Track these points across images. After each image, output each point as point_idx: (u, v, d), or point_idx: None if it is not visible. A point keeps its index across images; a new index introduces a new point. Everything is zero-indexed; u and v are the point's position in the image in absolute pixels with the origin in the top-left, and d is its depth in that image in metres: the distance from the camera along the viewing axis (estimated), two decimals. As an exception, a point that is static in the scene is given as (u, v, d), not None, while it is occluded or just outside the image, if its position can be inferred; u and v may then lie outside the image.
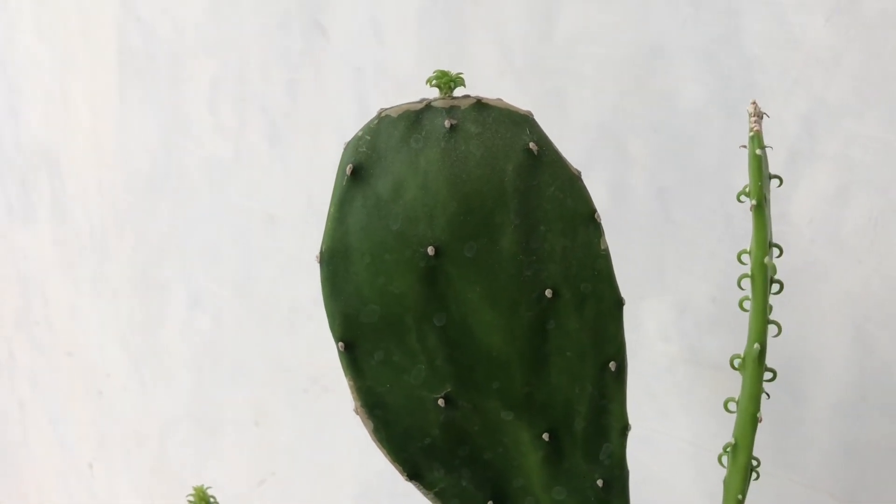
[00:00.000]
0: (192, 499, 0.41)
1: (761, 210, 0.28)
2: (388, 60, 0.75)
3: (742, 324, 0.62)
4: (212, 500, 0.42)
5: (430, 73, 0.75)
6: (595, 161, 0.64)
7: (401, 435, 0.32)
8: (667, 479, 0.66)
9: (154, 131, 0.99)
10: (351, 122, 0.78)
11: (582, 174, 0.67)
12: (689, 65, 0.58)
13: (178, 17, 0.91)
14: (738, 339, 0.62)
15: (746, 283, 0.32)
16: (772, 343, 0.61)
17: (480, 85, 0.70)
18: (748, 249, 0.31)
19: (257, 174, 0.89)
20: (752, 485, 0.64)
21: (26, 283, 1.34)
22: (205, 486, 0.42)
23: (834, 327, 0.56)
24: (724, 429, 0.63)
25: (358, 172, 0.29)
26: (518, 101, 0.68)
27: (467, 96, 0.31)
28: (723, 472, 0.65)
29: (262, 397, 0.98)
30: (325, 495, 0.95)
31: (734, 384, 0.62)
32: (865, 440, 0.57)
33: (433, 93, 0.34)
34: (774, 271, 0.29)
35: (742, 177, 0.57)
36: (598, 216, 0.31)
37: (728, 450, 0.33)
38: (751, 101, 0.31)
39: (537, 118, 0.67)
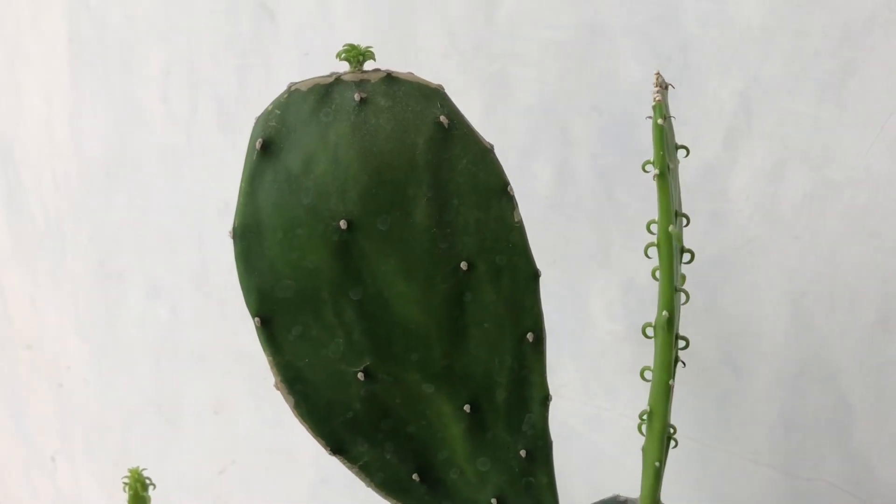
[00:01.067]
0: (127, 481, 0.41)
1: (664, 179, 0.28)
2: (336, 45, 0.75)
3: (690, 300, 0.62)
4: (147, 481, 0.42)
5: (378, 56, 0.75)
6: (540, 142, 0.65)
7: (322, 409, 0.32)
8: (616, 457, 0.67)
9: (107, 120, 0.98)
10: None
11: (528, 154, 0.68)
12: (629, 45, 0.59)
13: (127, 4, 0.90)
14: (682, 316, 0.62)
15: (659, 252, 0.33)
16: (714, 319, 0.62)
17: (426, 68, 0.70)
18: (657, 219, 0.32)
19: (211, 161, 0.89)
20: (697, 459, 0.65)
21: (-16, 276, 1.32)
22: (140, 468, 0.42)
23: (772, 302, 0.57)
24: (671, 404, 0.64)
25: (268, 147, 0.29)
26: (463, 83, 0.68)
27: (377, 70, 0.31)
28: (673, 453, 0.66)
29: (221, 386, 0.98)
30: (285, 482, 0.95)
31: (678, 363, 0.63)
32: (804, 413, 0.58)
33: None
34: (680, 240, 0.29)
35: (681, 161, 0.58)
36: (511, 189, 0.31)
37: (644, 417, 0.33)
38: (655, 71, 0.32)
39: (483, 99, 0.67)
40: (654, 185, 0.60)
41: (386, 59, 0.72)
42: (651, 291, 0.63)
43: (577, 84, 0.62)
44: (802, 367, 0.58)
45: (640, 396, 0.65)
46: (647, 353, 0.64)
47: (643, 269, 0.62)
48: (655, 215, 0.61)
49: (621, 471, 0.67)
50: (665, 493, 0.67)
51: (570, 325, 0.68)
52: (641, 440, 0.66)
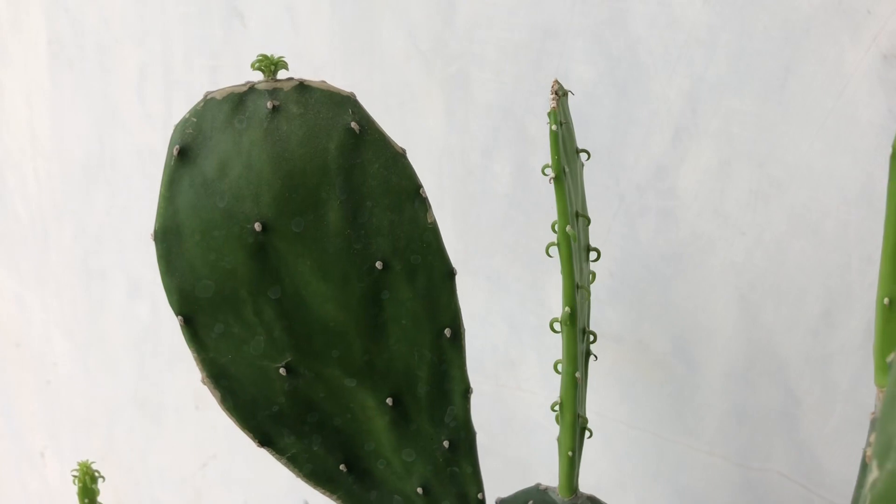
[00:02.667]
0: (76, 474, 0.42)
1: (560, 182, 0.29)
2: (303, 46, 0.76)
3: (639, 296, 0.64)
4: (97, 474, 0.43)
5: (343, 58, 0.76)
6: (499, 141, 0.66)
7: (248, 403, 0.33)
8: (576, 449, 0.69)
9: (86, 121, 0.99)
10: (272, 108, 0.79)
11: (488, 154, 0.69)
12: (580, 47, 0.60)
13: (103, 7, 0.91)
14: (636, 312, 0.64)
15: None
16: (667, 314, 0.63)
17: (389, 69, 0.71)
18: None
19: (187, 161, 0.90)
20: (653, 451, 0.67)
21: (-28, 275, 1.34)
22: (90, 462, 0.43)
23: (721, 298, 0.59)
24: (627, 398, 0.66)
25: (185, 153, 0.30)
26: (426, 84, 0.70)
27: (290, 79, 0.32)
28: (627, 441, 0.68)
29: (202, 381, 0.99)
30: (265, 475, 0.96)
31: (634, 355, 0.64)
32: (754, 405, 0.60)
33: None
34: (576, 239, 0.30)
35: (632, 154, 0.59)
36: (424, 192, 0.32)
37: (555, 408, 0.34)
38: (553, 79, 0.33)
39: (445, 99, 0.68)
40: (609, 184, 0.62)
41: (351, 61, 0.74)
42: (607, 287, 0.64)
43: (533, 84, 0.63)
44: (751, 360, 0.59)
45: (597, 391, 0.67)
46: (605, 346, 0.65)
47: (598, 267, 0.63)
48: (612, 214, 0.62)
49: (583, 462, 0.69)
50: (623, 483, 0.68)
51: (532, 321, 0.69)
52: (604, 433, 0.68)
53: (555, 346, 0.68)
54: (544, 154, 0.64)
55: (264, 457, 1.03)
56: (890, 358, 0.19)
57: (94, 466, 0.45)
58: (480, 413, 0.73)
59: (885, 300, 0.24)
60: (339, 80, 0.74)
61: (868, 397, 0.54)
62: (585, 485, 0.69)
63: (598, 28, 0.59)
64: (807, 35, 0.52)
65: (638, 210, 0.60)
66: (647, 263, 0.61)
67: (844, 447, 0.56)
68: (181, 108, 0.88)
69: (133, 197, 0.98)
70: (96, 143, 0.99)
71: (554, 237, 0.32)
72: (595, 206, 0.62)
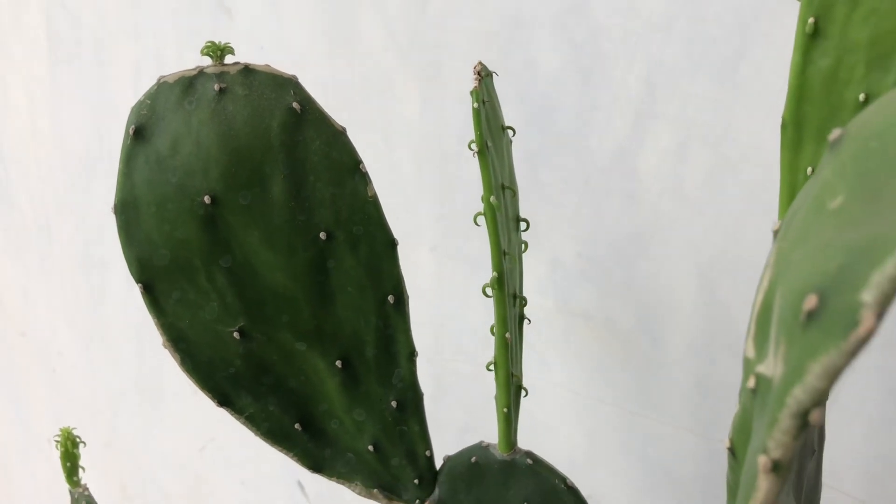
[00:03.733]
0: (58, 439, 0.45)
1: (483, 155, 0.32)
2: (286, 38, 0.79)
3: (606, 275, 0.66)
4: (78, 440, 0.46)
5: (325, 49, 0.79)
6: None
7: (205, 365, 0.36)
8: (551, 423, 0.71)
9: (85, 115, 1.02)
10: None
11: (462, 140, 0.71)
12: (546, 35, 0.62)
13: (98, 3, 0.94)
14: (603, 289, 0.66)
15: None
16: (632, 292, 0.66)
17: (369, 59, 0.74)
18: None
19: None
20: (622, 425, 0.69)
21: (-20, 267, 1.37)
22: (71, 428, 0.46)
23: (681, 275, 0.61)
24: (595, 374, 0.68)
25: (140, 132, 0.33)
26: (402, 73, 0.72)
27: (237, 63, 0.35)
28: (597, 416, 0.70)
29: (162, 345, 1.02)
30: (261, 457, 0.99)
31: (603, 332, 0.67)
32: (716, 379, 0.62)
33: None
34: (500, 209, 0.33)
35: (596, 137, 0.61)
36: (364, 167, 0.35)
37: (490, 368, 0.37)
38: (477, 61, 0.35)
39: (421, 88, 0.71)
40: (575, 167, 0.64)
41: (332, 52, 0.76)
42: (576, 267, 0.66)
43: (503, 72, 0.66)
44: (712, 336, 0.61)
45: (568, 367, 0.69)
46: (575, 324, 0.67)
47: (566, 248, 0.66)
48: (579, 196, 0.64)
49: (555, 434, 0.71)
50: (595, 455, 0.70)
51: (507, 302, 0.72)
52: (575, 408, 0.70)
53: (533, 326, 0.70)
54: (517, 139, 0.66)
55: (259, 440, 1.06)
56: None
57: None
58: (459, 392, 0.76)
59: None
60: (322, 70, 0.76)
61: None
62: (559, 457, 0.72)
63: (562, 17, 0.61)
64: (756, 20, 0.54)
65: (602, 192, 0.63)
66: (612, 243, 0.63)
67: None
68: (174, 100, 0.91)
69: (130, 188, 1.01)
70: (95, 136, 1.02)
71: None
72: (561, 189, 0.65)
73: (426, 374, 0.77)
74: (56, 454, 1.32)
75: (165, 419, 1.10)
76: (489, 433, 0.77)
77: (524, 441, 0.75)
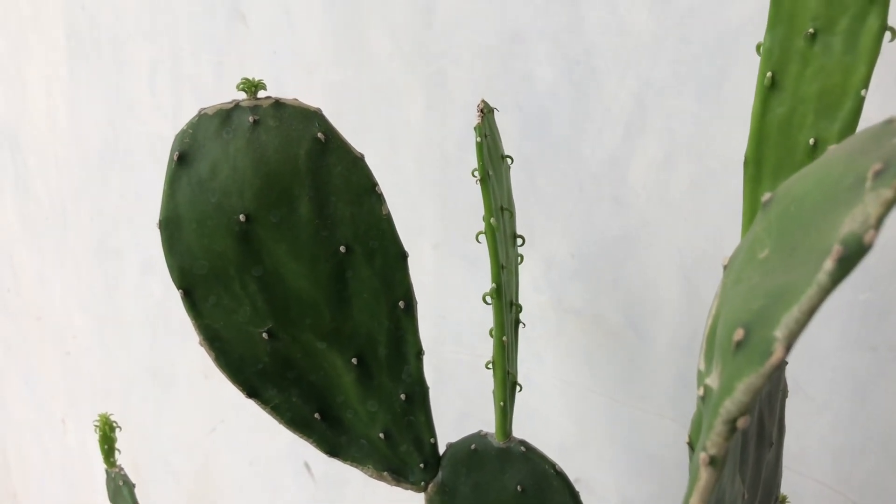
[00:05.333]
0: (97, 423, 0.50)
1: (485, 183, 0.36)
2: (298, 45, 0.83)
3: (596, 274, 0.71)
4: (115, 424, 0.51)
5: (334, 56, 0.83)
6: (473, 134, 0.73)
7: (237, 362, 0.40)
8: (544, 411, 0.76)
9: (102, 111, 1.07)
10: (271, 101, 0.86)
11: (463, 146, 0.75)
12: (543, 49, 0.67)
13: (117, 4, 0.98)
14: (594, 287, 0.71)
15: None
16: (620, 291, 0.70)
17: (376, 68, 0.78)
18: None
19: (194, 149, 0.97)
20: (609, 414, 0.74)
21: (-4, 253, 1.42)
22: (109, 414, 0.50)
23: (666, 275, 0.65)
24: (585, 367, 0.73)
25: (183, 158, 0.37)
26: (407, 81, 0.76)
27: (268, 97, 0.39)
28: (587, 405, 0.75)
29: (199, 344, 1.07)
30: (268, 439, 1.04)
31: (593, 326, 0.72)
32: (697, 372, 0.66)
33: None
34: (499, 229, 0.37)
35: (589, 147, 0.66)
36: (379, 188, 0.39)
37: (489, 367, 0.41)
38: (480, 99, 0.39)
39: (425, 96, 0.75)
40: (569, 174, 0.68)
41: (341, 59, 0.80)
42: (568, 267, 0.71)
43: (502, 83, 0.70)
44: (694, 331, 0.66)
45: (561, 359, 0.74)
46: (567, 319, 0.72)
47: (561, 248, 0.70)
48: (572, 201, 0.69)
49: (548, 421, 0.76)
50: (584, 442, 0.75)
51: (504, 297, 0.76)
52: (567, 398, 0.75)
53: (528, 321, 0.75)
54: (513, 145, 0.71)
55: (268, 421, 1.11)
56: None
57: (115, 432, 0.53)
58: (459, 381, 0.80)
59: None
60: (331, 76, 0.81)
61: (799, 364, 0.61)
62: (551, 442, 0.77)
63: (558, 34, 0.66)
64: (736, 43, 0.58)
65: (594, 198, 0.67)
66: (603, 245, 0.68)
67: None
68: (189, 99, 0.95)
69: (145, 181, 1.05)
70: (111, 131, 1.07)
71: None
72: (556, 194, 0.69)
73: (427, 365, 0.82)
74: (70, 434, 1.37)
75: (176, 402, 1.15)
76: (486, 420, 0.82)
77: (519, 427, 0.80)
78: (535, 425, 0.76)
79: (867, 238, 0.19)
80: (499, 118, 0.72)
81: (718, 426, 0.21)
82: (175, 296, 1.11)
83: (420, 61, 0.74)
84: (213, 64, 0.91)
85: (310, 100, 0.84)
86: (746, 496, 0.34)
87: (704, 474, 0.22)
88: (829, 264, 0.19)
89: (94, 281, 1.21)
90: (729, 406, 0.21)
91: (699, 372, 0.26)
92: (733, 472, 0.26)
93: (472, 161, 0.75)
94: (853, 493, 0.61)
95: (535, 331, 0.74)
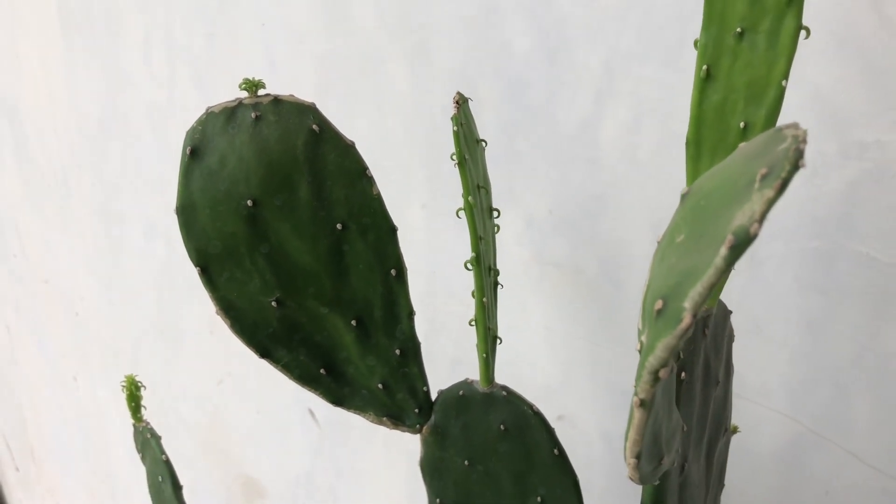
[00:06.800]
0: (124, 383, 0.56)
1: (462, 166, 0.41)
2: (287, 15, 0.87)
3: (574, 229, 0.76)
4: (139, 383, 0.56)
5: (323, 28, 0.87)
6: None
7: (250, 327, 0.46)
8: (530, 356, 0.82)
9: (98, 80, 1.10)
10: (261, 67, 0.90)
11: (447, 111, 0.80)
12: (518, 20, 0.71)
13: (107, -21, 1.01)
14: (572, 242, 0.76)
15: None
16: (596, 244, 0.76)
17: (362, 38, 0.82)
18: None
19: (190, 115, 1.01)
20: (589, 356, 0.80)
21: (1, 220, 1.46)
22: (134, 375, 0.56)
23: (637, 229, 0.71)
24: (566, 314, 0.79)
25: (195, 152, 0.42)
26: (390, 51, 0.80)
27: (268, 95, 0.43)
28: (569, 349, 0.81)
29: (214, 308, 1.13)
30: (274, 388, 1.10)
31: (572, 277, 0.77)
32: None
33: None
34: (476, 205, 0.42)
35: (563, 111, 0.70)
36: (369, 172, 0.44)
37: (472, 324, 0.47)
38: (456, 91, 0.44)
39: (409, 65, 0.79)
40: (545, 137, 0.73)
41: (329, 31, 0.84)
42: (548, 223, 0.76)
43: (482, 52, 0.74)
44: (664, 280, 0.71)
45: (543, 308, 0.79)
46: (549, 272, 0.78)
47: (540, 206, 0.76)
48: (549, 162, 0.74)
49: (534, 365, 0.82)
50: (567, 381, 0.81)
51: (490, 251, 0.82)
52: (550, 343, 0.81)
53: (510, 273, 0.80)
54: (493, 111, 0.75)
55: (273, 372, 1.18)
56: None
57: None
58: (451, 331, 0.86)
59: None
60: (320, 46, 0.85)
61: (759, 308, 0.67)
62: (537, 384, 0.83)
63: (532, 5, 0.70)
64: (695, 14, 0.62)
65: (570, 159, 0.72)
66: (579, 202, 0.73)
67: (745, 350, 0.69)
68: (183, 69, 0.99)
69: (144, 148, 1.10)
70: (108, 100, 1.10)
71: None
72: (535, 156, 0.74)
73: (421, 317, 0.88)
74: (83, 390, 1.44)
75: (184, 357, 1.21)
76: (476, 366, 0.88)
77: (508, 370, 0.87)
78: (522, 368, 0.83)
79: (752, 230, 0.24)
80: (480, 85, 0.76)
81: (645, 376, 0.27)
82: (180, 256, 1.16)
83: (404, 31, 0.78)
84: (205, 35, 0.95)
85: (299, 69, 0.88)
86: (686, 428, 0.40)
87: (637, 414, 0.28)
88: (723, 251, 0.24)
89: (98, 244, 1.26)
90: (652, 361, 0.26)
91: (638, 330, 0.32)
92: (668, 410, 0.32)
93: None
94: (808, 420, 0.67)
95: (519, 283, 0.80)
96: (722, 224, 0.25)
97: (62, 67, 1.14)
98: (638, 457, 0.29)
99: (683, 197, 0.28)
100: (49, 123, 1.22)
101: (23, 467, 1.68)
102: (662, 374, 0.26)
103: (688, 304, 0.25)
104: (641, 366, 0.27)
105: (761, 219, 0.24)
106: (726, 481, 0.74)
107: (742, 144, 0.29)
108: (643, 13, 0.64)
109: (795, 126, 0.26)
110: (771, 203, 0.25)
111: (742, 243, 0.24)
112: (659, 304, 0.26)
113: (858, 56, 0.57)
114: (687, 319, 0.25)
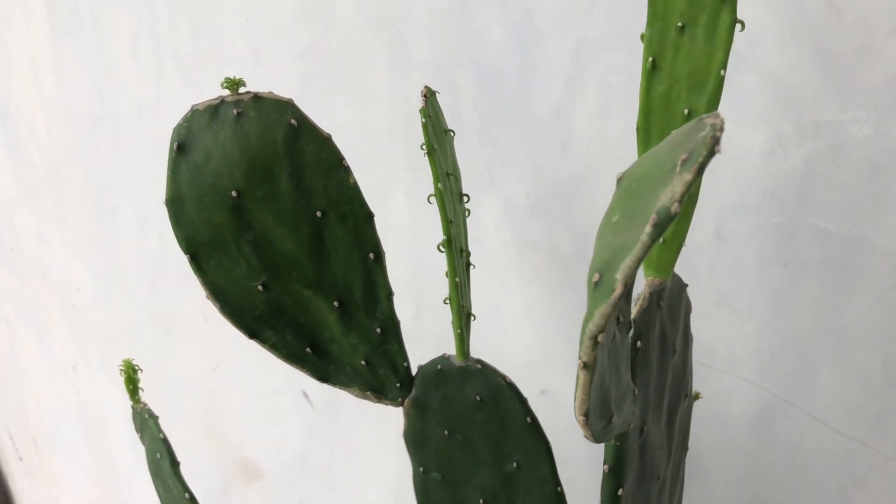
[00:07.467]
0: (121, 367, 0.59)
1: (432, 156, 0.44)
2: (269, 12, 0.89)
3: (550, 211, 0.79)
4: (136, 367, 0.59)
5: (303, 23, 0.89)
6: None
7: (238, 310, 0.49)
8: (511, 333, 0.85)
9: (87, 77, 1.13)
10: (246, 62, 0.93)
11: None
12: (491, 12, 0.74)
13: (93, -22, 1.03)
14: (548, 223, 0.79)
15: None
16: (572, 225, 0.79)
17: (341, 32, 0.85)
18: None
19: (178, 110, 1.04)
20: (566, 332, 0.83)
21: (-4, 215, 1.49)
22: (131, 360, 0.59)
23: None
24: (545, 292, 0.82)
25: (181, 148, 0.45)
26: (370, 44, 0.83)
27: (248, 92, 0.46)
28: (549, 326, 0.84)
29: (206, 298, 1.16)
30: (267, 375, 1.13)
31: (549, 257, 0.80)
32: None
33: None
34: (446, 191, 0.46)
35: (536, 99, 0.73)
36: (346, 163, 0.47)
37: (446, 302, 0.50)
38: (424, 85, 0.47)
39: (388, 57, 0.82)
40: (520, 123, 0.76)
41: (310, 25, 0.87)
42: (525, 206, 0.79)
43: (457, 43, 0.77)
44: (636, 258, 0.75)
45: (522, 287, 0.83)
46: (527, 252, 0.81)
47: (517, 190, 0.79)
48: (524, 147, 0.77)
49: (515, 342, 0.85)
50: (548, 357, 0.85)
51: (472, 234, 0.85)
52: (531, 320, 0.84)
53: (490, 254, 0.83)
54: (469, 99, 0.78)
55: (268, 357, 1.21)
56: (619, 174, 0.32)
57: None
58: (436, 311, 0.89)
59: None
60: (301, 40, 0.87)
61: (725, 281, 0.70)
62: (518, 361, 0.86)
63: (504, -3, 0.73)
64: (658, 3, 0.65)
65: (544, 144, 0.75)
66: (554, 185, 0.76)
67: (713, 322, 0.72)
68: (171, 64, 1.02)
69: (134, 142, 1.12)
70: (97, 97, 1.13)
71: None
72: (510, 142, 0.77)
73: (407, 299, 0.91)
74: (82, 380, 1.47)
75: (180, 345, 1.24)
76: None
77: (490, 348, 0.90)
78: (504, 345, 0.86)
79: (673, 209, 0.27)
80: (456, 75, 0.79)
81: (586, 341, 0.30)
82: (172, 247, 1.19)
83: (381, 25, 0.81)
84: (191, 32, 0.97)
85: (283, 63, 0.91)
86: (637, 391, 0.43)
87: (582, 375, 0.31)
88: (648, 228, 0.28)
89: (92, 237, 1.28)
90: (591, 327, 0.29)
91: (587, 302, 0.35)
92: (616, 374, 0.35)
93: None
94: (775, 387, 0.71)
95: (498, 263, 0.83)
96: (648, 205, 0.28)
97: (51, 65, 1.17)
98: (586, 414, 0.32)
99: (619, 181, 0.31)
100: (41, 120, 1.24)
101: (26, 456, 1.71)
102: (601, 338, 0.30)
103: (619, 276, 0.28)
104: (583, 332, 0.30)
105: (681, 199, 0.28)
106: (699, 446, 0.77)
107: (673, 132, 0.32)
108: (610, 3, 0.67)
109: (715, 115, 0.29)
110: (689, 185, 0.28)
111: (664, 221, 0.27)
112: (595, 277, 0.29)
113: (810, 40, 0.60)
114: (619, 289, 0.28)
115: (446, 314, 0.90)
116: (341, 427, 1.05)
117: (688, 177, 0.27)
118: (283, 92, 0.47)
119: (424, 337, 0.90)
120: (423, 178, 0.85)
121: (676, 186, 0.28)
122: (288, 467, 1.15)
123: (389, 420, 0.99)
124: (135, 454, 1.41)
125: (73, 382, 1.50)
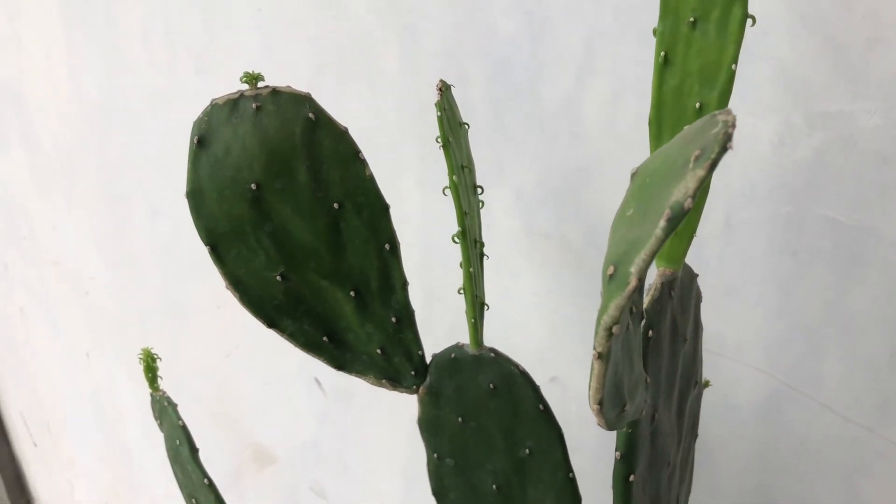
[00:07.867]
0: (140, 356, 0.60)
1: (447, 149, 0.45)
2: (281, 2, 0.90)
3: (560, 201, 0.80)
4: (154, 355, 0.61)
5: (314, 12, 0.90)
6: (445, 80, 0.81)
7: (257, 300, 0.50)
8: (521, 322, 0.86)
9: (100, 67, 1.13)
10: (258, 51, 0.94)
11: (434, 92, 0.83)
12: (502, 3, 0.74)
13: (106, -32, 1.04)
14: (558, 213, 0.80)
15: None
16: (583, 214, 0.79)
17: (353, 22, 0.85)
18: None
19: (190, 99, 1.05)
20: (580, 320, 0.84)
21: (10, 204, 1.50)
22: (150, 348, 0.60)
23: (619, 200, 0.74)
24: (555, 281, 0.83)
25: (202, 141, 0.46)
26: (381, 36, 0.84)
27: (267, 86, 0.47)
28: (559, 314, 0.85)
29: (221, 285, 1.17)
30: (279, 361, 1.15)
31: (560, 246, 0.81)
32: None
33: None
34: (460, 183, 0.46)
35: (546, 89, 0.74)
36: (362, 155, 0.48)
37: (460, 292, 0.51)
38: (439, 79, 0.48)
39: (399, 47, 0.82)
40: (531, 113, 0.77)
41: (322, 14, 0.87)
42: (536, 196, 0.80)
43: (468, 34, 0.78)
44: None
45: (533, 276, 0.83)
46: (538, 242, 0.82)
47: (528, 179, 0.79)
48: (535, 137, 0.77)
49: (526, 330, 0.86)
50: (557, 345, 0.86)
51: (482, 223, 0.86)
52: (541, 309, 0.85)
53: (501, 242, 0.84)
54: (481, 89, 0.79)
55: (280, 343, 1.22)
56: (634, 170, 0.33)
57: (137, 363, 0.63)
58: (448, 300, 0.90)
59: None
60: (313, 30, 0.88)
61: (735, 270, 0.71)
62: (530, 348, 0.87)
63: (515, -12, 0.73)
64: (668, -6, 0.66)
65: (554, 134, 0.76)
66: (564, 175, 0.77)
67: (723, 311, 0.73)
68: (182, 55, 1.02)
69: (146, 131, 1.13)
70: (110, 86, 1.14)
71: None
72: (521, 132, 0.78)
73: (419, 288, 0.92)
74: (95, 367, 1.49)
75: (192, 332, 1.26)
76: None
77: (502, 335, 0.91)
78: (515, 333, 0.87)
79: (686, 204, 0.28)
80: (467, 65, 0.80)
81: (601, 332, 0.31)
82: (185, 235, 1.21)
83: (393, 15, 0.81)
84: (202, 21, 0.98)
85: (295, 52, 0.92)
86: (650, 380, 0.44)
87: (596, 365, 0.32)
88: (662, 223, 0.28)
89: (105, 225, 1.30)
90: (606, 319, 0.30)
91: (602, 293, 0.36)
92: (630, 363, 0.36)
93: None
94: (783, 375, 0.72)
95: (509, 252, 0.84)
96: (662, 200, 0.29)
97: (64, 55, 1.18)
98: (600, 403, 0.33)
99: (633, 176, 0.32)
100: (54, 110, 1.25)
101: (40, 442, 1.74)
102: (615, 330, 0.31)
103: (633, 269, 0.29)
104: (598, 323, 0.31)
105: (694, 194, 0.28)
106: (708, 434, 0.78)
107: (686, 127, 0.33)
108: (619, -6, 0.68)
109: (727, 112, 0.30)
110: (702, 181, 0.29)
111: (677, 216, 0.28)
112: (611, 270, 0.30)
113: (820, 31, 0.61)
114: (633, 282, 0.29)
115: (457, 303, 0.91)
116: (353, 414, 1.07)
117: (700, 173, 0.28)
118: (293, 82, 0.48)
119: (436, 325, 0.92)
120: (435, 166, 0.85)
121: (689, 182, 0.28)
122: (300, 453, 1.16)
123: (401, 407, 1.01)
124: (148, 440, 1.43)
125: (86, 369, 1.51)
